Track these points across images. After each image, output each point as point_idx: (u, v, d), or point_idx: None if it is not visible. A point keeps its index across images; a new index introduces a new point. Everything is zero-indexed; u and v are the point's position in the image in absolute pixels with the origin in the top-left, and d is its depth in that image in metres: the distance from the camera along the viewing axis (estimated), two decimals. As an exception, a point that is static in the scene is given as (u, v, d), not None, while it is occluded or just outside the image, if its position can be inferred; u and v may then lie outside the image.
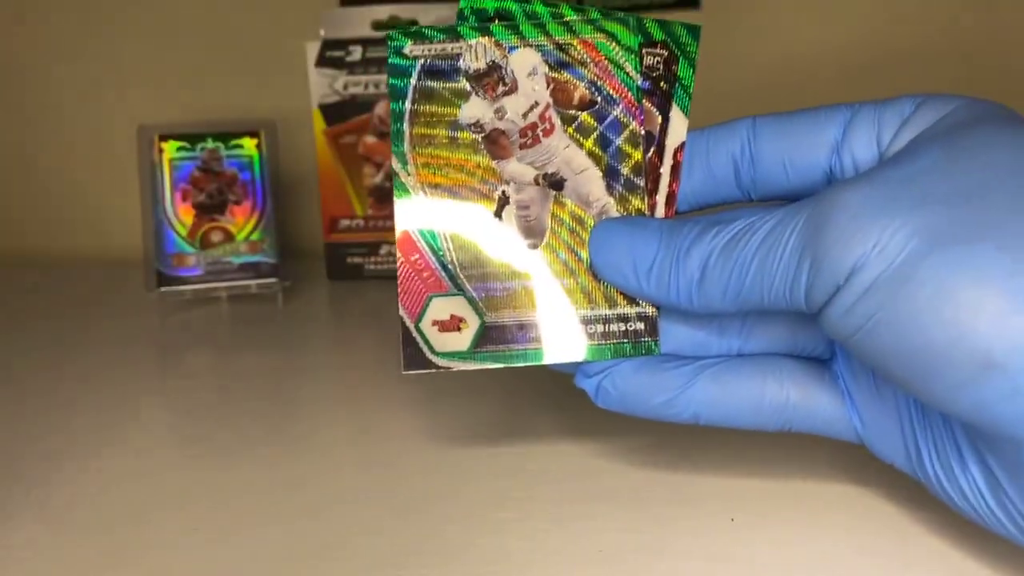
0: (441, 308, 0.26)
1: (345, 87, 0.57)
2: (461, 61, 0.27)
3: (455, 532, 0.27)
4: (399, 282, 0.26)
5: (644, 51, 0.27)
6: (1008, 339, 0.19)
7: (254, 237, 0.54)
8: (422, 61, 0.27)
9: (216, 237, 0.54)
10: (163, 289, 0.52)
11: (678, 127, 0.27)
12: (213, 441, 0.34)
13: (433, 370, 0.26)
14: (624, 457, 0.30)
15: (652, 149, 0.27)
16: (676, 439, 0.31)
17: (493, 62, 0.27)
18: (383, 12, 0.58)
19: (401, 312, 0.26)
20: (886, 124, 0.24)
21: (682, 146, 0.27)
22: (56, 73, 0.66)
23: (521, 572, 0.25)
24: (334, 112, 0.57)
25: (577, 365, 0.26)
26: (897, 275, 0.20)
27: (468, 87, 0.27)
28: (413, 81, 0.27)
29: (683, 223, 0.24)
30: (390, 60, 0.27)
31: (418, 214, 0.26)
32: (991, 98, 0.24)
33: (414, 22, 0.58)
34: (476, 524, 0.27)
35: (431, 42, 0.27)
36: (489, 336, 0.26)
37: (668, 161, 0.27)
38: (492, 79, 0.27)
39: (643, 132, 0.27)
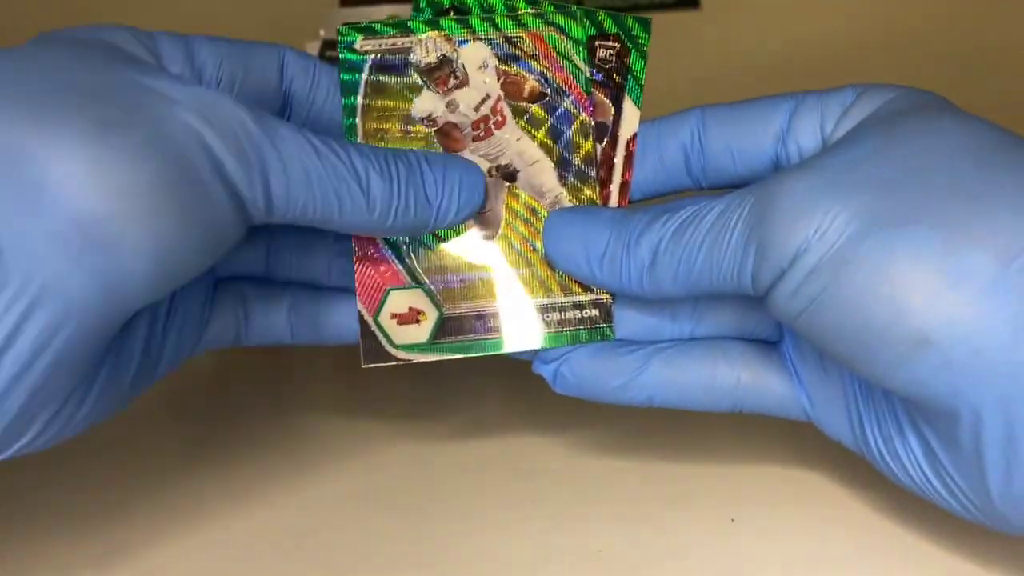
0: (399, 301, 0.27)
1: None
2: (412, 55, 0.27)
3: (455, 532, 0.27)
4: (356, 276, 0.27)
5: (597, 43, 0.28)
6: (940, 315, 0.20)
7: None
8: (373, 56, 0.27)
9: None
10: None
11: (631, 118, 0.28)
12: (212, 441, 0.34)
13: (393, 363, 0.26)
14: (624, 457, 0.30)
15: (605, 140, 0.27)
16: (676, 439, 0.31)
17: (444, 56, 0.27)
18: (383, 12, 0.58)
19: (359, 306, 0.26)
20: (828, 113, 0.25)
21: (635, 137, 0.27)
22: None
23: (521, 572, 0.25)
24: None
25: (535, 352, 0.27)
26: (837, 257, 0.21)
27: (420, 81, 0.27)
28: (364, 76, 0.27)
29: (634, 211, 0.25)
30: (341, 55, 0.27)
31: None
32: (987, 94, 0.25)
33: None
34: (476, 524, 0.27)
35: (382, 37, 0.27)
36: (448, 327, 0.27)
37: (621, 152, 0.27)
38: (443, 73, 0.27)
39: (593, 123, 0.27)
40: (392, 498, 0.29)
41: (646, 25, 0.28)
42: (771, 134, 0.26)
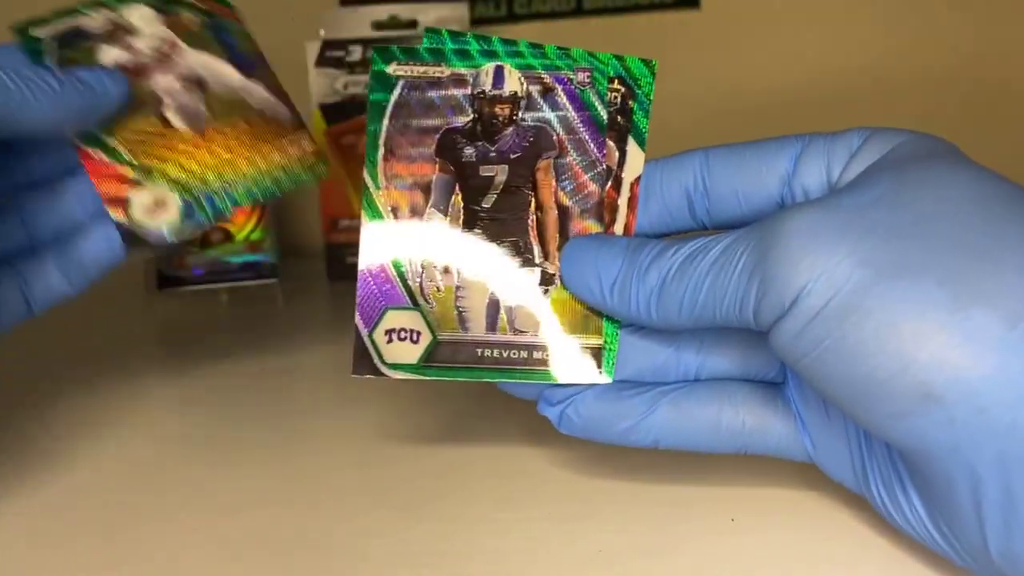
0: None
1: (345, 87, 0.57)
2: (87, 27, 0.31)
3: (455, 532, 0.27)
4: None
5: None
6: (946, 372, 0.20)
7: (254, 237, 0.54)
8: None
9: (216, 237, 0.54)
10: (163, 289, 0.52)
11: (635, 161, 0.28)
12: (212, 441, 0.34)
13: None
14: (624, 457, 0.30)
15: (609, 183, 0.27)
16: (676, 439, 0.31)
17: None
18: (383, 12, 0.58)
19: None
20: (835, 157, 0.25)
21: (638, 179, 0.27)
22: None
23: (521, 572, 0.25)
24: (334, 112, 0.57)
25: (523, 386, 0.27)
26: (844, 305, 0.21)
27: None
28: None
29: (647, 242, 0.25)
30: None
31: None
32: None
33: (414, 22, 0.58)
34: (476, 524, 0.27)
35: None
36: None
37: (625, 194, 0.27)
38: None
39: (604, 167, 0.27)
40: (391, 497, 0.29)
41: (651, 67, 0.28)
42: (776, 177, 0.25)
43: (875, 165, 0.24)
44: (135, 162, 0.29)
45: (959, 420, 0.20)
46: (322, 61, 0.57)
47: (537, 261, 0.27)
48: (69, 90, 0.27)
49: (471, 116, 0.28)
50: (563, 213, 0.27)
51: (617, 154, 0.28)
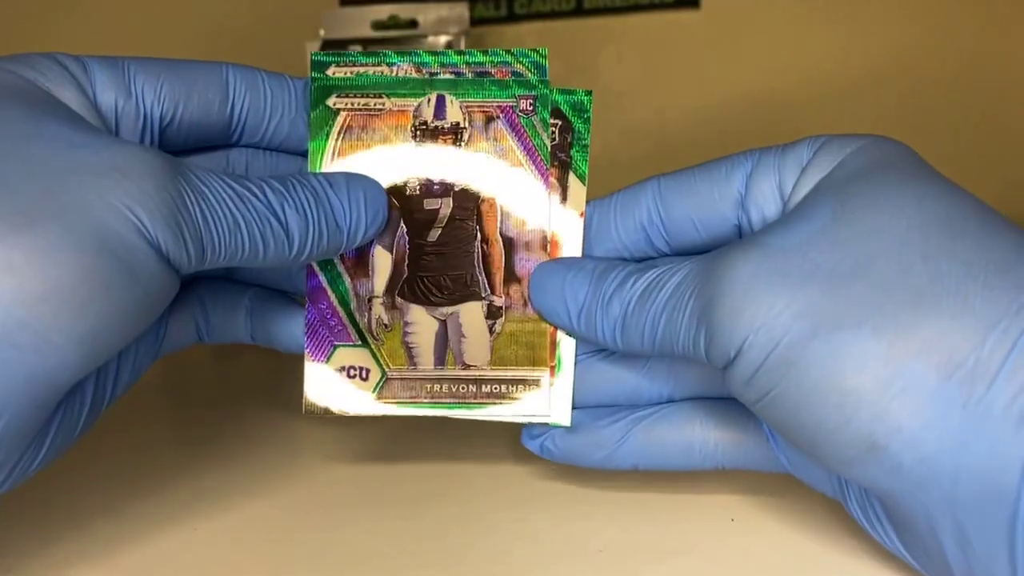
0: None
1: (345, 87, 0.56)
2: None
3: (455, 532, 0.27)
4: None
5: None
6: (887, 424, 0.20)
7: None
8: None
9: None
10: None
11: (577, 194, 0.27)
12: (212, 441, 0.34)
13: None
14: (636, 471, 0.30)
15: (553, 215, 0.27)
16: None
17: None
18: (383, 12, 0.58)
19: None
20: (786, 172, 0.24)
21: (582, 214, 0.27)
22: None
23: (521, 572, 0.25)
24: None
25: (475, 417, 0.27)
26: (784, 358, 0.21)
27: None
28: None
29: (611, 268, 0.25)
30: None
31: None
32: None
33: (414, 22, 0.58)
34: (476, 524, 0.27)
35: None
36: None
37: (571, 226, 0.27)
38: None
39: (548, 199, 0.27)
40: (390, 498, 0.29)
41: (588, 97, 0.28)
42: (730, 201, 0.25)
43: (819, 187, 0.23)
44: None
45: (905, 468, 0.20)
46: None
47: (483, 294, 0.27)
48: (316, 241, 0.24)
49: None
50: (508, 245, 0.27)
51: (559, 187, 0.27)
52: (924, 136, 0.25)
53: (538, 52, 0.28)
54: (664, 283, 0.24)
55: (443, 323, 0.27)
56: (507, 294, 0.27)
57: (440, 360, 0.27)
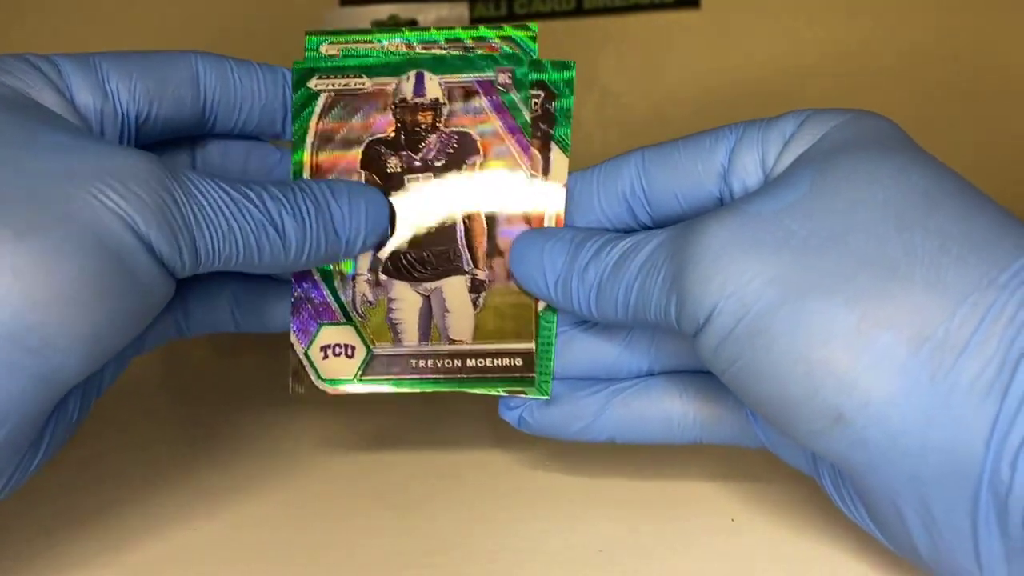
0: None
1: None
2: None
3: (455, 532, 0.27)
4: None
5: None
6: (855, 397, 0.20)
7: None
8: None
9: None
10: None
11: (560, 167, 0.27)
12: (212, 441, 0.34)
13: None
14: (624, 457, 0.30)
15: (535, 188, 0.27)
16: (676, 439, 0.31)
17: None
18: (383, 12, 0.58)
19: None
20: (769, 145, 0.24)
21: (564, 185, 0.27)
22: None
23: (521, 572, 0.25)
24: (334, 112, 0.57)
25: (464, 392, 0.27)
26: (752, 326, 0.21)
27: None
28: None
29: (589, 236, 0.25)
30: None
31: None
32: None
33: (414, 22, 0.58)
34: (476, 524, 0.27)
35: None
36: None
37: (552, 200, 0.27)
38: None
39: (529, 173, 0.27)
40: (389, 499, 0.29)
41: (569, 67, 0.28)
42: (713, 174, 0.25)
43: (801, 158, 0.23)
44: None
45: (871, 442, 0.20)
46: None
47: (467, 268, 0.27)
48: (313, 249, 0.25)
49: (394, 126, 0.27)
50: (490, 220, 0.27)
51: (541, 160, 0.27)
52: (927, 134, 0.25)
53: (528, 27, 0.28)
54: (639, 250, 0.23)
55: (427, 299, 0.27)
56: (490, 267, 0.27)
57: (425, 336, 0.27)
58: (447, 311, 0.27)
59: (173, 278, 0.22)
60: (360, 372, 0.27)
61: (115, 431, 0.35)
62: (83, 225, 0.20)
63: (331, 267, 0.27)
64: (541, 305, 0.27)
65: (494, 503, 0.29)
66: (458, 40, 0.28)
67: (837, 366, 0.20)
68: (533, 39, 0.28)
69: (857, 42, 0.62)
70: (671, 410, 0.26)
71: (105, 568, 0.26)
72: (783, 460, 0.25)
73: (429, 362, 0.27)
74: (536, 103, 0.27)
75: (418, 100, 0.27)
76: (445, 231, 0.27)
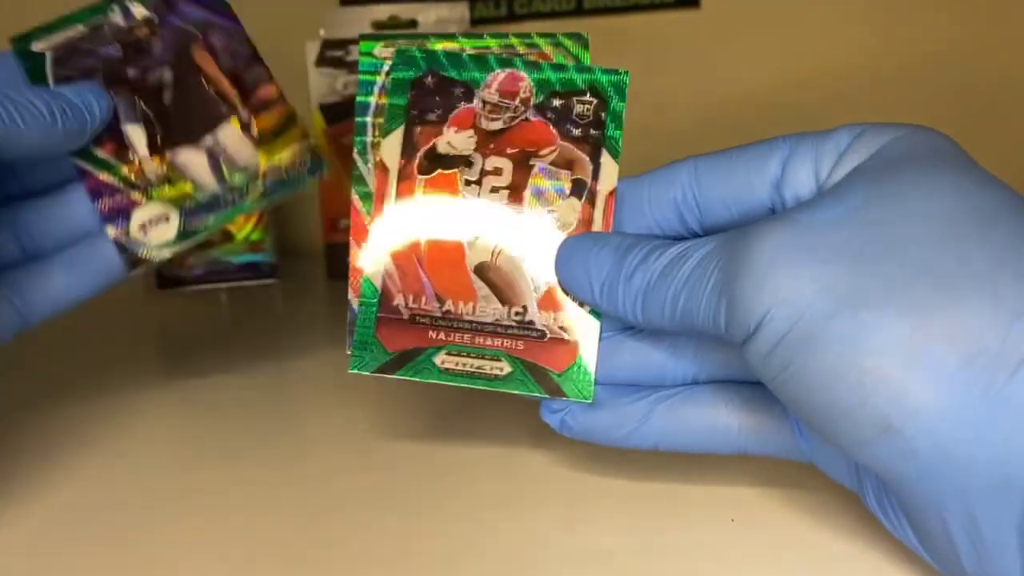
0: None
1: (345, 87, 0.57)
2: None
3: (455, 532, 0.27)
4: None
5: (574, 99, 0.28)
6: (905, 407, 0.20)
7: (254, 237, 0.54)
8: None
9: (216, 237, 0.54)
10: (163, 289, 0.52)
11: (609, 173, 0.27)
12: (213, 441, 0.34)
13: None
14: (624, 457, 0.30)
15: (584, 196, 0.27)
16: (676, 439, 0.31)
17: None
18: (383, 12, 0.58)
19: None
20: (824, 158, 0.24)
21: (613, 192, 0.27)
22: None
23: (521, 572, 0.25)
24: (334, 112, 0.57)
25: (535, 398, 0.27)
26: (804, 333, 0.20)
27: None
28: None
29: (636, 243, 0.25)
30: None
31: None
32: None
33: (414, 22, 0.58)
34: (476, 524, 0.27)
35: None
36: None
37: (600, 207, 0.27)
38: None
39: (573, 179, 0.27)
40: (391, 497, 0.29)
41: (624, 77, 0.28)
42: (766, 184, 0.25)
43: (856, 170, 0.23)
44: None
45: (920, 453, 0.20)
46: (322, 61, 0.57)
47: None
48: (58, 114, 0.28)
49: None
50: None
51: (591, 166, 0.28)
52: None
53: (580, 37, 0.29)
54: (688, 256, 0.23)
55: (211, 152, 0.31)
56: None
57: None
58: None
59: None
60: (179, 233, 0.30)
61: (117, 431, 0.35)
62: None
63: (115, 166, 0.30)
64: (586, 308, 0.27)
65: (495, 503, 0.29)
66: (511, 47, 0.29)
67: (888, 376, 0.20)
68: (585, 47, 0.28)
69: (857, 40, 0.62)
70: (716, 419, 0.26)
71: (108, 569, 0.26)
72: (827, 474, 0.25)
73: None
74: (587, 108, 0.27)
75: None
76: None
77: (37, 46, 0.31)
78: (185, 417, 0.37)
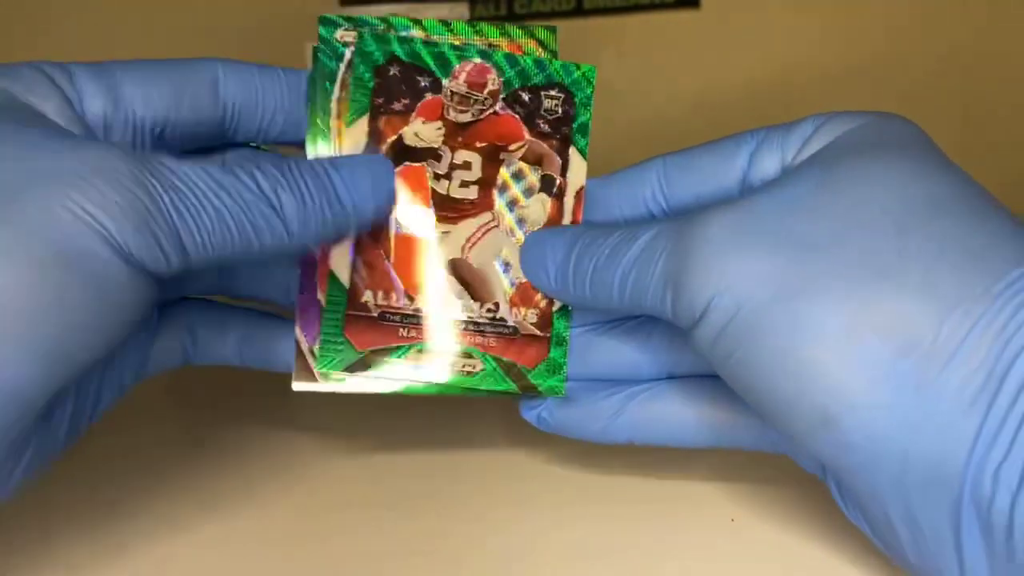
0: None
1: (345, 87, 0.56)
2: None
3: (455, 532, 0.27)
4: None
5: (542, 94, 0.28)
6: (841, 400, 0.20)
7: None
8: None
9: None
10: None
11: (578, 170, 0.28)
12: (214, 442, 0.34)
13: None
14: (624, 457, 0.30)
15: (553, 192, 0.27)
16: (676, 439, 0.31)
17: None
18: (383, 12, 0.58)
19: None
20: (789, 148, 0.24)
21: (582, 188, 0.27)
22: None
23: (521, 572, 0.25)
24: (334, 112, 0.56)
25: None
26: (746, 322, 0.21)
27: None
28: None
29: (590, 229, 0.25)
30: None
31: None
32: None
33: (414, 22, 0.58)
34: (476, 524, 0.27)
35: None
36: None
37: (569, 203, 0.27)
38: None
39: (542, 176, 0.28)
40: (388, 496, 0.29)
41: (591, 72, 0.28)
42: (734, 178, 0.25)
43: (812, 157, 0.23)
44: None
45: (856, 446, 0.20)
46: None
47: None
48: (318, 223, 0.23)
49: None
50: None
51: (559, 162, 0.27)
52: (927, 130, 0.25)
53: (548, 29, 0.28)
54: (635, 238, 0.23)
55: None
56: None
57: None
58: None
59: (154, 280, 0.21)
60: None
61: (120, 434, 0.35)
62: (37, 227, 0.19)
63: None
64: (556, 306, 0.27)
65: (493, 503, 0.29)
66: (481, 35, 0.28)
67: (825, 368, 0.20)
68: (554, 38, 0.28)
69: (858, 41, 0.61)
70: (688, 414, 0.26)
71: (110, 566, 0.26)
72: (799, 464, 0.25)
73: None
74: (555, 104, 0.27)
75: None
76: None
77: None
78: (187, 413, 0.37)
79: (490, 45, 0.28)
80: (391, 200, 0.26)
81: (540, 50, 0.28)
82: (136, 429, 0.35)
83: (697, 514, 0.27)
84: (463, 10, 0.58)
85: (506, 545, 0.26)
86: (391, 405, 0.36)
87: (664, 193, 0.26)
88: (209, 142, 0.27)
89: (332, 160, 0.24)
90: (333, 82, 0.27)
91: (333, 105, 0.27)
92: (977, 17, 0.61)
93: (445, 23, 0.28)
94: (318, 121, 0.27)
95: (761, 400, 0.21)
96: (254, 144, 0.28)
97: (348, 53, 0.27)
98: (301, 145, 0.27)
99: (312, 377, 0.27)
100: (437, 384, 0.27)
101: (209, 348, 0.28)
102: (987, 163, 0.23)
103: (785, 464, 0.28)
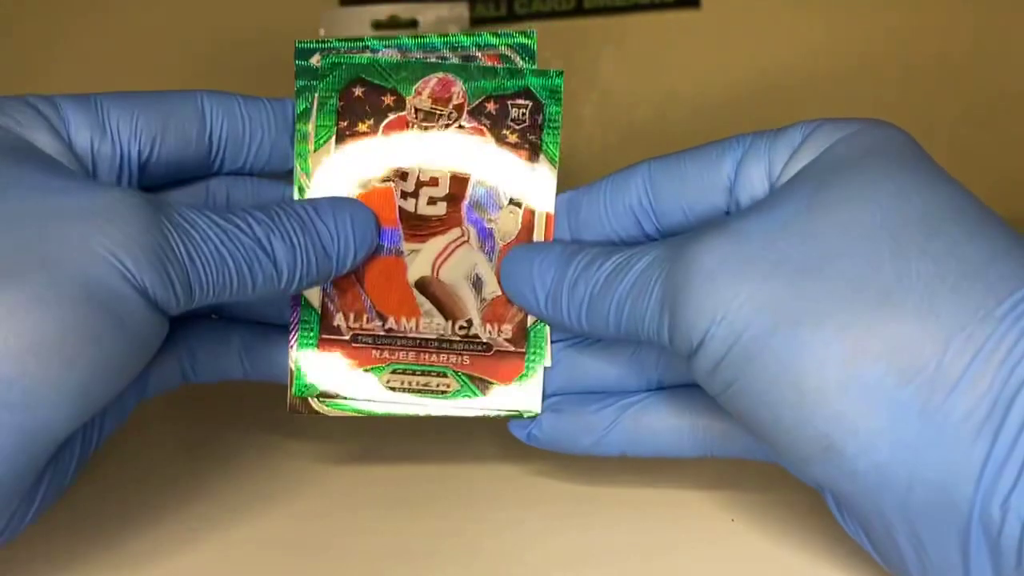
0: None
1: (345, 87, 0.56)
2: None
3: (455, 533, 0.27)
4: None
5: (508, 103, 0.27)
6: (844, 427, 0.20)
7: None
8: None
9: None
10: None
11: (547, 179, 0.27)
12: (214, 443, 0.34)
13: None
14: (618, 465, 0.30)
15: (524, 203, 0.27)
16: (676, 440, 0.31)
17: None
18: (383, 12, 0.58)
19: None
20: (776, 157, 0.24)
21: (553, 197, 0.27)
22: (54, 76, 0.66)
23: (521, 572, 0.25)
24: (334, 112, 0.56)
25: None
26: (745, 352, 0.20)
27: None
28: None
29: (578, 251, 0.25)
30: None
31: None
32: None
33: (414, 22, 0.58)
34: (476, 525, 0.27)
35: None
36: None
37: (541, 213, 0.27)
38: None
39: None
40: (386, 498, 0.29)
41: (559, 78, 0.27)
42: (720, 187, 0.25)
43: (802, 172, 0.23)
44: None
45: (860, 472, 0.20)
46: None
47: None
48: (305, 271, 0.24)
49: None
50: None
51: (528, 172, 0.27)
52: (927, 132, 0.25)
53: (526, 35, 0.27)
54: (630, 267, 0.23)
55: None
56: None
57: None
58: None
59: (165, 318, 0.22)
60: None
61: (123, 440, 0.35)
62: (67, 269, 0.19)
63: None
64: (531, 321, 0.27)
65: (494, 505, 0.29)
66: (460, 47, 0.28)
67: (827, 396, 0.20)
68: (532, 40, 0.28)
69: (859, 42, 0.61)
70: (681, 425, 0.26)
71: (104, 571, 0.26)
72: (793, 474, 0.26)
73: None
74: (522, 113, 0.27)
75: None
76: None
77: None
78: (184, 418, 0.37)
79: (466, 57, 0.27)
80: (372, 247, 0.26)
81: (517, 57, 0.28)
82: (135, 441, 0.35)
83: (696, 514, 0.27)
84: (463, 10, 0.58)
85: (506, 547, 0.26)
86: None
87: (650, 198, 0.26)
88: (194, 173, 0.27)
89: (314, 203, 0.25)
90: (310, 109, 0.27)
91: (311, 130, 0.27)
92: (977, 17, 0.61)
93: (419, 38, 0.28)
94: (301, 150, 0.27)
95: (762, 428, 0.21)
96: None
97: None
98: (289, 174, 0.27)
99: (307, 407, 0.27)
100: (410, 411, 0.27)
101: (209, 365, 0.28)
102: (986, 163, 0.23)
103: (780, 472, 0.28)
